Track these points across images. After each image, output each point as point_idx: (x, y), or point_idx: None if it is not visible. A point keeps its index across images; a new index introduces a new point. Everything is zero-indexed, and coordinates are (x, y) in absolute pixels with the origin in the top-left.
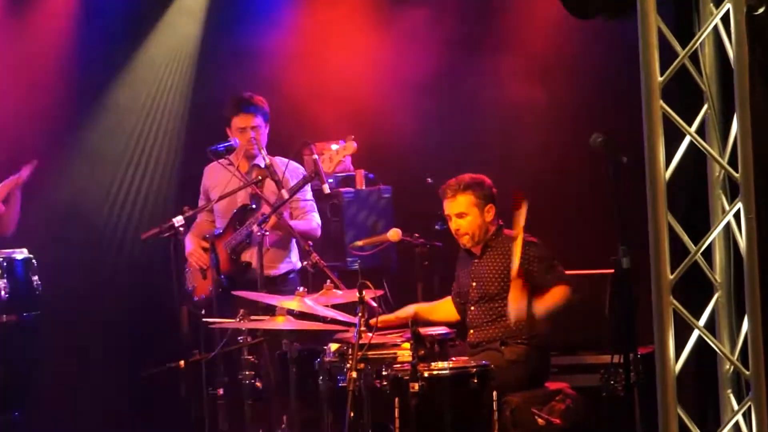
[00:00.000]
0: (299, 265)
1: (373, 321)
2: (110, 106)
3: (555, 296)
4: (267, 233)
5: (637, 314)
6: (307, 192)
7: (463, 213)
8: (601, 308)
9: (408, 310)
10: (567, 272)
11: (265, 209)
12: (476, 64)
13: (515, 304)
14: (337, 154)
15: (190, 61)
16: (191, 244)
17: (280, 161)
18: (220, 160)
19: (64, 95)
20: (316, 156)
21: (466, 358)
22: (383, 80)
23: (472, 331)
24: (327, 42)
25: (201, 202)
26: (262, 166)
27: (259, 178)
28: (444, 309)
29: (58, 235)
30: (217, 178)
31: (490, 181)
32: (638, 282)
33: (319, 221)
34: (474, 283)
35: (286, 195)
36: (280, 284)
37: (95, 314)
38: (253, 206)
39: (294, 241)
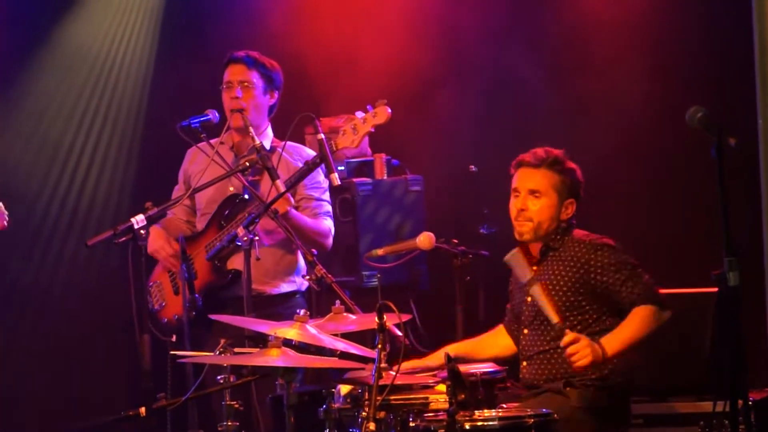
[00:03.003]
0: (307, 285)
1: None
2: (48, 68)
3: (635, 325)
4: (257, 238)
5: (749, 347)
6: (324, 189)
7: (539, 191)
8: (700, 339)
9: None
10: None
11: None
12: (534, 23)
13: (579, 356)
14: (364, 123)
15: (155, 11)
16: (158, 239)
17: (292, 148)
18: (212, 140)
19: None
20: (322, 135)
21: (520, 404)
22: (413, 41)
23: (525, 363)
24: None
25: (176, 194)
26: (267, 147)
27: (247, 164)
28: (496, 342)
29: None
30: (202, 162)
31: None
32: (750, 305)
33: (332, 228)
34: (529, 298)
35: (282, 187)
36: (279, 306)
37: (27, 343)
38: (247, 196)
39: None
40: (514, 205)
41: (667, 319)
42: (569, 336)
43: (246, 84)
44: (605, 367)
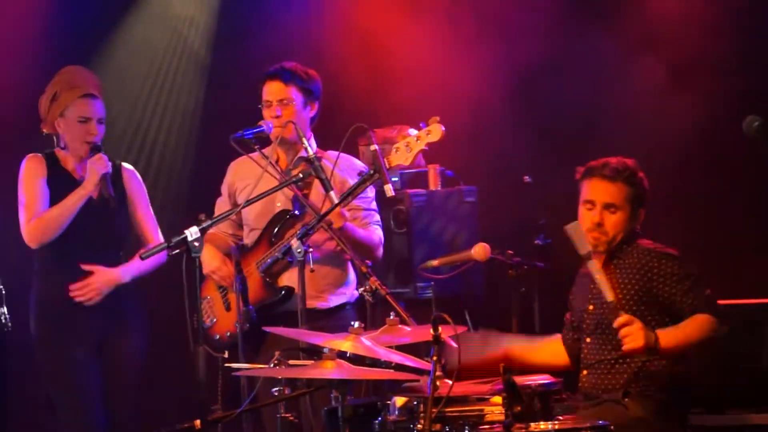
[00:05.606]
0: (356, 295)
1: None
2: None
3: (691, 328)
4: (311, 250)
5: None
6: (371, 199)
7: (615, 206)
8: (758, 350)
9: (498, 344)
10: None
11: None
12: (593, 32)
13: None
14: (417, 140)
15: (206, 24)
16: (213, 260)
17: (340, 158)
18: (252, 153)
19: (43, 61)
20: (376, 146)
21: (577, 416)
22: (467, 51)
23: (585, 371)
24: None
25: (220, 207)
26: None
27: (300, 175)
28: (551, 349)
29: (29, 251)
30: (248, 175)
31: None
32: None
33: (383, 237)
34: (591, 306)
35: (336, 198)
36: (329, 319)
37: None
38: (297, 212)
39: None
40: (589, 218)
41: (723, 332)
42: (623, 317)
43: (285, 101)
44: (655, 356)
